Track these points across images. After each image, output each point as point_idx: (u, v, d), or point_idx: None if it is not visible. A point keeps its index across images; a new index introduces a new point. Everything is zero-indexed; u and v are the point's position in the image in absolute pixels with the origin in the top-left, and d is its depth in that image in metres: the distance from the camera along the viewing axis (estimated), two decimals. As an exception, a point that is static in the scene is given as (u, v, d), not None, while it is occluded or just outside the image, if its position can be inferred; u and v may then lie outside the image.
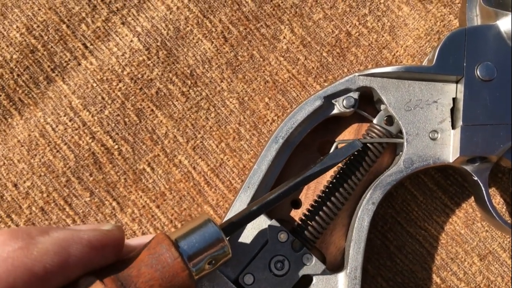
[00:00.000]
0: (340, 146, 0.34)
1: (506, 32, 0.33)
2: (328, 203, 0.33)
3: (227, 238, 0.28)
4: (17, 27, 0.40)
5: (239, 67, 0.40)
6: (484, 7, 0.34)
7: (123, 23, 0.40)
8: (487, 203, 0.33)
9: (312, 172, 0.30)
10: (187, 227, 0.28)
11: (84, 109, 0.39)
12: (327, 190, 0.33)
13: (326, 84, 0.40)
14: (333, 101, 0.34)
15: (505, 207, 0.39)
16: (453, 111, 0.33)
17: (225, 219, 0.32)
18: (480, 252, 0.38)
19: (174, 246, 0.26)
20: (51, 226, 0.25)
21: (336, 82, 0.33)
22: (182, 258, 0.26)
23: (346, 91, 0.34)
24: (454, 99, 0.33)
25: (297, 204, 0.35)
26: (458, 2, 0.40)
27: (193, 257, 0.26)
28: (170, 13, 0.40)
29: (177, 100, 0.40)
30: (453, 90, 0.34)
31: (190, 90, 0.40)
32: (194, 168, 0.39)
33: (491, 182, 0.38)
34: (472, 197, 0.39)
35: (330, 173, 0.33)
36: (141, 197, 0.39)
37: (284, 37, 0.40)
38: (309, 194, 0.34)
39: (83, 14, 0.40)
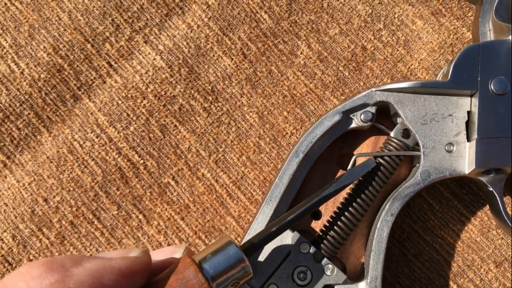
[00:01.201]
0: (358, 159, 0.36)
1: (518, 46, 0.34)
2: (347, 214, 0.34)
3: (248, 258, 0.29)
4: (44, 47, 0.42)
5: (258, 82, 0.41)
6: (497, 22, 0.35)
7: (145, 42, 0.42)
8: (502, 212, 0.34)
9: (329, 192, 0.31)
10: (210, 249, 0.29)
11: (110, 125, 0.41)
12: (346, 201, 0.34)
13: (343, 97, 0.41)
14: (351, 115, 0.35)
15: (520, 215, 0.40)
16: (468, 124, 0.34)
17: (249, 232, 0.33)
18: (496, 259, 0.39)
19: (201, 271, 0.27)
20: (83, 256, 0.26)
21: (353, 97, 0.35)
22: (209, 283, 0.27)
23: (363, 105, 0.35)
24: (469, 113, 0.35)
25: (317, 216, 0.36)
26: (470, 15, 0.42)
27: (216, 279, 0.28)
28: (191, 32, 0.42)
29: (199, 116, 0.41)
30: (467, 104, 0.35)
31: (212, 106, 0.41)
32: (216, 181, 0.40)
33: (506, 191, 0.39)
34: (487, 206, 0.40)
35: (350, 185, 0.35)
36: (166, 209, 0.40)
37: (301, 53, 0.41)
38: (329, 206, 0.36)
39: (107, 34, 0.42)
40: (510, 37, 0.35)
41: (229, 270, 0.28)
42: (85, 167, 0.40)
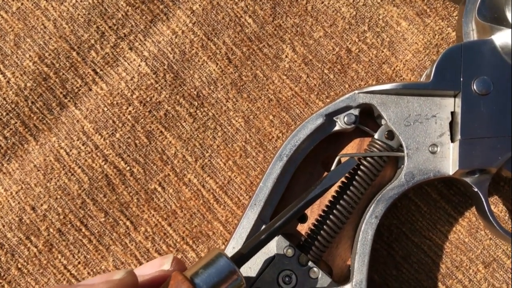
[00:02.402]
0: (343, 159, 0.36)
1: (501, 46, 0.34)
2: (332, 217, 0.34)
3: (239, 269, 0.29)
4: (30, 56, 0.42)
5: (243, 86, 0.41)
6: (479, 22, 0.35)
7: (130, 49, 0.42)
8: (488, 213, 0.34)
9: (314, 195, 0.31)
10: (200, 263, 0.29)
11: (96, 133, 0.41)
12: (331, 204, 0.34)
13: (328, 100, 0.41)
14: (334, 118, 0.35)
15: (507, 215, 0.39)
16: (451, 124, 0.34)
17: (233, 236, 0.33)
18: (484, 259, 0.39)
19: (194, 287, 0.27)
20: (65, 285, 0.26)
21: (336, 100, 0.35)
22: None
23: (346, 108, 0.35)
24: (452, 113, 0.34)
25: (303, 219, 0.36)
26: (455, 15, 0.41)
27: None
28: (176, 37, 0.42)
29: (185, 121, 0.41)
30: (451, 104, 0.35)
31: (197, 111, 0.41)
32: (203, 186, 0.40)
33: (493, 191, 0.39)
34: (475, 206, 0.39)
35: (334, 187, 0.35)
36: (153, 215, 0.40)
37: (286, 56, 0.41)
38: (314, 209, 0.36)
39: (92, 41, 0.42)
40: (492, 37, 0.35)
41: (222, 283, 0.28)
42: (72, 174, 0.40)
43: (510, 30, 0.34)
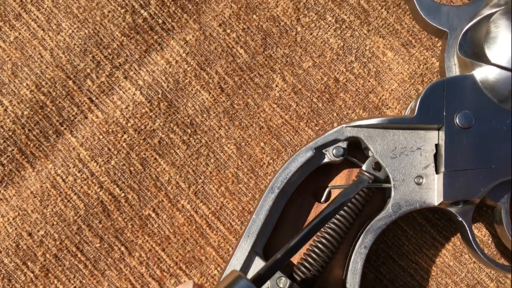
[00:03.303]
0: (333, 191, 0.37)
1: (481, 81, 0.36)
2: (323, 247, 0.35)
3: None
4: (27, 84, 0.43)
5: (235, 114, 0.42)
6: (461, 57, 0.37)
7: (125, 77, 0.43)
8: (472, 242, 0.35)
9: (327, 212, 0.32)
10: (221, 286, 0.29)
11: (92, 160, 0.42)
12: (322, 234, 0.36)
13: (317, 128, 0.42)
14: (323, 151, 0.36)
15: (490, 239, 0.41)
16: (436, 156, 0.36)
17: (228, 267, 0.34)
18: (468, 282, 0.41)
19: None
20: None
21: (325, 134, 0.36)
22: None
23: (335, 141, 0.36)
24: (436, 145, 0.36)
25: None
26: (439, 45, 0.43)
27: None
28: (169, 67, 0.43)
29: (178, 148, 0.42)
30: (435, 137, 0.36)
31: (191, 138, 0.42)
32: (196, 212, 0.41)
33: (476, 215, 0.41)
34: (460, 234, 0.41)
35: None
36: (147, 241, 0.41)
37: (277, 85, 0.43)
38: (304, 238, 0.37)
39: (88, 70, 0.43)
40: (473, 72, 0.36)
41: None
42: (68, 201, 0.41)
43: (490, 66, 0.36)
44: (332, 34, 0.43)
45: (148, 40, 0.43)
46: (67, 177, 0.42)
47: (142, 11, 0.43)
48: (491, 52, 0.35)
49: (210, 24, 0.43)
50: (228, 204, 0.41)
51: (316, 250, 0.35)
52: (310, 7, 0.43)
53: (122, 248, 0.41)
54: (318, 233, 0.36)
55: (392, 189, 0.35)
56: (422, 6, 0.39)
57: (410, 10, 0.41)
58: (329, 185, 0.37)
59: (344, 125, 0.36)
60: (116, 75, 0.43)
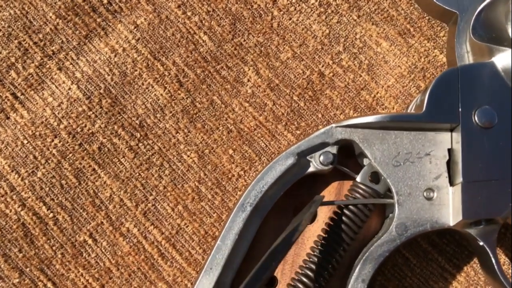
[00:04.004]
0: (319, 210, 0.29)
1: (504, 70, 0.29)
2: (308, 280, 0.27)
3: None
4: None
5: (197, 115, 0.35)
6: (476, 42, 0.30)
7: (59, 69, 0.35)
8: (497, 271, 0.28)
9: (278, 244, 0.25)
10: None
11: (12, 171, 0.33)
12: (307, 265, 0.28)
13: (298, 132, 0.35)
14: (308, 157, 0.29)
15: (511, 268, 0.34)
16: (449, 164, 0.29)
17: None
18: (485, 323, 0.33)
19: None
20: None
21: (310, 136, 0.29)
22: None
23: (322, 145, 0.29)
24: (449, 151, 0.29)
25: (272, 284, 0.29)
26: (443, 35, 0.36)
27: None
28: (115, 56, 0.35)
29: (123, 157, 0.34)
30: (447, 140, 0.29)
31: (140, 144, 0.34)
32: (145, 237, 0.33)
33: (499, 244, 0.33)
34: (473, 258, 0.34)
35: (310, 243, 0.28)
36: (81, 275, 0.32)
37: (249, 80, 0.35)
38: (286, 270, 0.29)
39: (12, 60, 0.35)
40: (492, 59, 0.29)
41: None
42: (-21, 224, 0.32)
43: (514, 51, 0.29)
44: (315, 20, 0.36)
45: (90, 23, 0.35)
46: (-21, 193, 0.33)
47: (82, -12, 0.35)
48: (516, 34, 0.28)
49: (167, 6, 0.36)
50: (187, 227, 0.33)
51: (299, 285, 0.27)
52: (289, -13, 0.36)
53: (49, 284, 0.33)
54: (302, 264, 0.28)
55: (396, 205, 0.28)
56: (426, -18, 0.32)
57: (409, -11, 0.34)
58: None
59: (334, 125, 0.29)
60: (47, 66, 0.35)
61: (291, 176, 0.29)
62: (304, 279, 0.27)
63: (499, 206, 0.27)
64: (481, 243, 0.28)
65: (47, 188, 0.33)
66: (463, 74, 0.29)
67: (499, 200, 0.27)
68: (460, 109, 0.28)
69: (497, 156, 0.28)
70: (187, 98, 0.35)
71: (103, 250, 0.33)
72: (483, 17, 0.31)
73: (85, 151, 0.34)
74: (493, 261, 0.28)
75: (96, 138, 0.34)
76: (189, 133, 0.34)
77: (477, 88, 0.29)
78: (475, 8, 0.31)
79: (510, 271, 0.34)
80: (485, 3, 0.31)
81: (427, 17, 0.36)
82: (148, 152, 0.34)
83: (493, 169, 0.28)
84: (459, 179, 0.28)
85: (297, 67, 0.35)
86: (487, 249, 0.28)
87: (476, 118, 0.28)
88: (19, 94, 0.34)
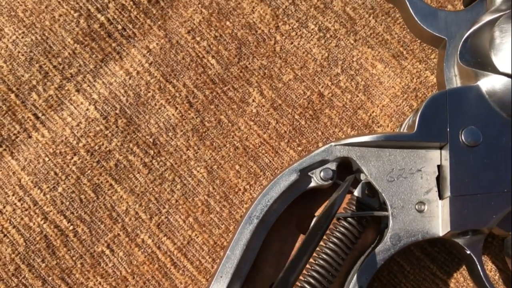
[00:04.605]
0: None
1: (488, 93, 0.31)
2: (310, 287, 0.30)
3: None
4: (-42, 98, 0.36)
5: (206, 133, 0.37)
6: (462, 66, 0.33)
7: (77, 91, 0.37)
8: (483, 278, 0.30)
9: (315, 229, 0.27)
10: None
11: (35, 186, 0.35)
12: (309, 272, 0.30)
13: (300, 148, 0.37)
14: (309, 173, 0.31)
15: (497, 275, 0.36)
16: (439, 179, 0.31)
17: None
18: (474, 326, 0.35)
19: None
20: None
21: (311, 153, 0.31)
22: None
23: (323, 162, 0.31)
24: (439, 167, 0.31)
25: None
26: (434, 58, 0.39)
27: None
28: (130, 78, 0.37)
29: (138, 173, 0.36)
30: (437, 157, 0.31)
31: (153, 161, 0.36)
32: (158, 247, 0.35)
33: (484, 252, 0.36)
34: (462, 265, 0.36)
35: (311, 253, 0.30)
36: (100, 283, 0.35)
37: (253, 100, 0.38)
38: (287, 277, 0.31)
39: (34, 82, 0.37)
40: (478, 82, 0.32)
41: None
42: (5, 236, 0.35)
43: (497, 75, 0.31)
44: (315, 44, 0.38)
45: (105, 48, 0.38)
46: (4, 207, 0.35)
47: (98, 16, 0.38)
48: (498, 60, 0.31)
49: (177, 31, 0.38)
50: (197, 238, 0.35)
51: (302, 292, 0.30)
52: (290, 14, 0.39)
53: (69, 292, 0.34)
54: (305, 272, 0.30)
55: (390, 217, 0.30)
56: (417, 11, 0.34)
57: (402, 17, 0.37)
58: (316, 213, 0.32)
59: (333, 143, 0.31)
60: (66, 88, 0.37)
61: (294, 190, 0.31)
62: (307, 286, 0.30)
63: (485, 217, 0.30)
64: (468, 252, 0.31)
65: (67, 203, 0.36)
66: (451, 96, 0.31)
67: (485, 212, 0.30)
68: (448, 129, 0.31)
69: (483, 172, 0.30)
70: (196, 117, 0.37)
71: (120, 260, 0.35)
72: (470, 43, 0.33)
73: (102, 168, 0.36)
74: (479, 268, 0.30)
75: (112, 155, 0.36)
76: (198, 150, 0.37)
77: (464, 110, 0.31)
78: (462, 35, 0.33)
79: (496, 277, 0.36)
80: (471, 30, 0.33)
81: (418, 41, 0.39)
82: (161, 168, 0.36)
83: (479, 184, 0.30)
84: (448, 193, 0.30)
85: (298, 88, 0.38)
86: (474, 257, 0.30)
87: (463, 137, 0.31)
88: (40, 115, 0.37)
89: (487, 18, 0.33)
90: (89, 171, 0.36)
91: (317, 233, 0.27)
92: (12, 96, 0.37)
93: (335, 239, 0.30)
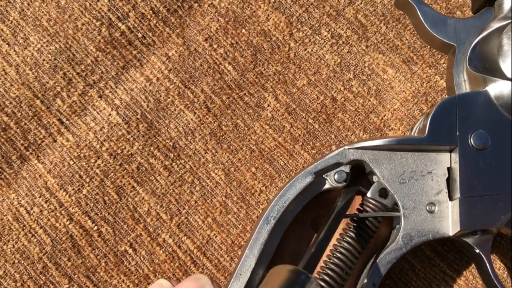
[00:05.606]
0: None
1: (496, 98, 0.33)
2: (325, 285, 0.31)
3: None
4: (-13, 104, 0.38)
5: (223, 137, 0.38)
6: (471, 72, 0.34)
7: (100, 96, 0.39)
8: (492, 276, 0.31)
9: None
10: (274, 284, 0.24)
11: (60, 189, 0.37)
12: (324, 271, 0.31)
13: (314, 151, 0.38)
14: (324, 175, 0.32)
15: (506, 273, 0.37)
16: (449, 181, 0.32)
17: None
18: (484, 322, 0.36)
19: None
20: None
21: (326, 156, 0.32)
22: None
23: (337, 165, 0.32)
24: (449, 169, 0.32)
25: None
26: (443, 63, 0.40)
27: None
28: (150, 85, 0.39)
29: (159, 175, 0.38)
30: (447, 160, 0.32)
31: (173, 163, 0.38)
32: (179, 246, 0.37)
33: (493, 250, 0.37)
34: (472, 263, 0.37)
35: (326, 252, 0.32)
36: (123, 281, 0.36)
37: (269, 105, 0.39)
38: (303, 275, 0.32)
39: (58, 88, 0.39)
40: (486, 88, 0.33)
41: None
42: (33, 236, 0.36)
43: (505, 81, 0.32)
44: (328, 50, 0.40)
45: (126, 55, 0.39)
46: (32, 208, 0.37)
47: (119, 24, 0.39)
48: (506, 66, 0.32)
49: (195, 39, 0.40)
50: (216, 237, 0.37)
51: (318, 289, 0.31)
52: (304, 21, 0.40)
53: (94, 290, 0.36)
54: (320, 270, 0.32)
55: (402, 218, 0.32)
56: (427, 18, 0.36)
57: (413, 23, 0.38)
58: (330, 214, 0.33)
59: (346, 147, 0.32)
60: (89, 94, 0.39)
61: (309, 192, 0.32)
62: (322, 284, 0.31)
63: (493, 218, 0.31)
64: (477, 251, 0.32)
65: (92, 204, 0.37)
66: (460, 101, 0.33)
67: (493, 213, 0.31)
68: (457, 133, 0.32)
69: (491, 174, 0.31)
70: (214, 122, 0.39)
71: (142, 259, 0.37)
72: (478, 49, 0.34)
73: (125, 171, 0.38)
74: (488, 267, 0.31)
75: (134, 158, 0.38)
76: (216, 153, 0.38)
77: (473, 114, 0.32)
78: (471, 42, 0.35)
79: (505, 275, 0.37)
80: (480, 37, 0.34)
81: (428, 47, 0.40)
82: (181, 170, 0.38)
83: (488, 185, 0.31)
84: (457, 194, 0.31)
85: (312, 93, 0.39)
86: (483, 256, 0.32)
87: (472, 141, 0.32)
88: (64, 120, 0.38)
89: (495, 25, 0.34)
90: (112, 174, 0.37)
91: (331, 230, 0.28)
92: (38, 102, 0.38)
93: (349, 239, 0.32)
